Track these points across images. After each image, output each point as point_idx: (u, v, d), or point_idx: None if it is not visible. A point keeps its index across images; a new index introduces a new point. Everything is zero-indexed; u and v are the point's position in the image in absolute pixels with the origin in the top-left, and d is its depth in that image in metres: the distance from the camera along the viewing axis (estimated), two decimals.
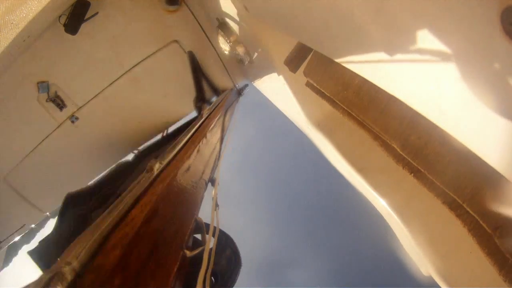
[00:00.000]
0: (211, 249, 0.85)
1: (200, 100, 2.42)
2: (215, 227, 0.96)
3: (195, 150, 1.08)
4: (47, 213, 3.09)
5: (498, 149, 0.72)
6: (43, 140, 2.59)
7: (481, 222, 1.03)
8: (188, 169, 0.98)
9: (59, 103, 2.48)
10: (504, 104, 0.66)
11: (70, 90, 2.50)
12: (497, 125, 0.69)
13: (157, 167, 0.85)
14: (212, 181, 1.21)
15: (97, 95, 2.61)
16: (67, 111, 2.55)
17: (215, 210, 1.04)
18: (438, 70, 0.78)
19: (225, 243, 1.09)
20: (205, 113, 1.53)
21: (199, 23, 2.57)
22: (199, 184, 1.05)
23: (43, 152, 2.63)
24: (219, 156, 1.46)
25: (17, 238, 3.05)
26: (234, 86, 3.04)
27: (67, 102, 2.52)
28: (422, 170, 1.14)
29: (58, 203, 3.14)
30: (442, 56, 0.75)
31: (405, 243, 1.82)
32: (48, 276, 0.46)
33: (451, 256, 1.48)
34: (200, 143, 1.15)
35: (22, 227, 3.02)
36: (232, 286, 1.02)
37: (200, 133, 1.22)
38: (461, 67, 0.72)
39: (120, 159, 3.08)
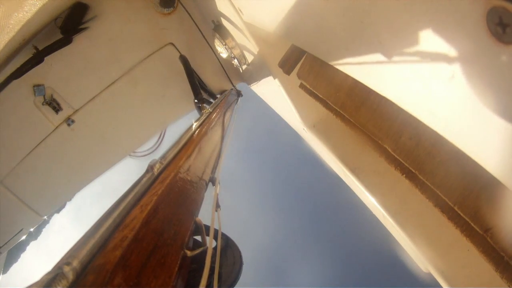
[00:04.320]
0: (214, 249, 0.84)
1: (200, 100, 2.42)
2: (216, 228, 0.95)
3: (196, 150, 1.07)
4: (45, 217, 3.09)
5: (489, 149, 0.72)
6: (39, 143, 2.60)
7: (472, 224, 1.02)
8: (188, 168, 0.97)
9: (55, 106, 2.48)
10: (493, 104, 0.66)
11: (66, 93, 2.50)
12: (487, 125, 0.69)
13: (157, 167, 0.84)
14: (213, 181, 1.20)
15: (93, 98, 2.61)
16: (63, 114, 2.56)
17: (216, 210, 1.03)
18: (428, 71, 0.78)
19: (226, 242, 1.08)
20: (205, 113, 1.52)
21: (196, 25, 2.58)
22: (199, 184, 1.03)
23: (39, 155, 2.63)
24: (219, 156, 1.45)
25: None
26: (233, 87, 3.04)
27: (63, 105, 2.53)
28: (413, 171, 1.14)
29: (55, 207, 3.15)
30: (431, 57, 0.75)
31: (402, 243, 1.82)
32: (50, 276, 0.46)
33: (449, 255, 1.48)
34: (201, 142, 1.14)
35: (20, 231, 3.01)
36: (234, 286, 1.02)
37: (201, 133, 1.20)
38: (450, 68, 0.72)
39: (117, 161, 3.08)
